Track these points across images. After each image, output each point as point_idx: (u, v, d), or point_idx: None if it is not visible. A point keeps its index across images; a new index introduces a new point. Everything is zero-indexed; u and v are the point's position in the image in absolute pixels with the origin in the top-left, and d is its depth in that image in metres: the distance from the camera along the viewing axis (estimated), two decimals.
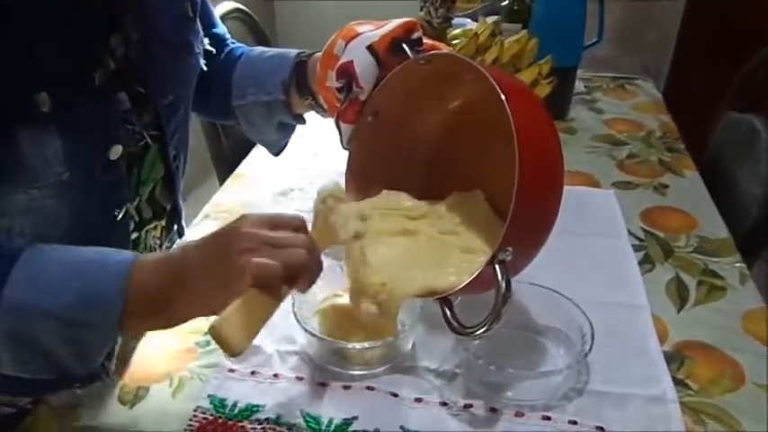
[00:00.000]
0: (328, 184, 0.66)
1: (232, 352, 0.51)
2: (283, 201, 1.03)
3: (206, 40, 0.83)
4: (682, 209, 0.99)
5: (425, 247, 0.66)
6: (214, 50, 0.86)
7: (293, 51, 0.84)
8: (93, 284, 0.53)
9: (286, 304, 0.66)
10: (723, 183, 1.10)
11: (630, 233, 0.93)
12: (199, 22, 0.81)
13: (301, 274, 0.54)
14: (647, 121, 1.29)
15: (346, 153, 0.73)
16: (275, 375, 0.69)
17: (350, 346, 0.67)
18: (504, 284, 0.55)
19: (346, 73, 0.69)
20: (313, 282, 0.56)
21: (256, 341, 0.70)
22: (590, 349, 0.65)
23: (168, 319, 0.56)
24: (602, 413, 0.64)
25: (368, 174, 0.72)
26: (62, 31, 0.59)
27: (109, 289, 0.53)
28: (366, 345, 0.67)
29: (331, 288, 0.74)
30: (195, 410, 0.65)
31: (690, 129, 1.27)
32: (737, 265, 0.86)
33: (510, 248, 0.55)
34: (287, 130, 0.90)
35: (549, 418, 0.64)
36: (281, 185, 1.07)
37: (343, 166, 1.08)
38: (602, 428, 0.63)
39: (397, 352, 0.69)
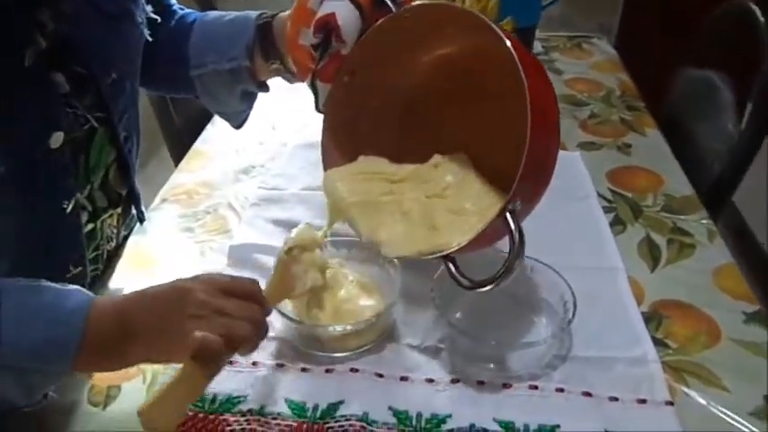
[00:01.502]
0: (298, 231, 0.66)
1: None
2: (245, 178, 0.99)
3: (149, 8, 0.77)
4: (647, 167, 1.00)
5: (415, 211, 0.65)
6: (160, 18, 0.79)
7: (253, 13, 0.78)
8: (49, 334, 0.53)
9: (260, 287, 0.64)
10: (684, 139, 1.11)
11: (599, 194, 0.93)
12: None
13: (243, 346, 0.54)
14: (606, 80, 1.29)
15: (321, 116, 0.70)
16: (254, 364, 0.66)
17: (330, 328, 0.65)
18: (517, 235, 0.55)
19: (326, 27, 0.64)
20: (254, 350, 0.56)
21: None
22: (573, 316, 0.65)
23: (118, 365, 0.57)
24: (588, 378, 0.64)
25: (344, 136, 0.70)
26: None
27: (65, 338, 0.53)
28: (348, 327, 0.65)
29: None
30: None
31: (645, 86, 1.27)
32: (704, 221, 0.88)
33: (519, 200, 0.55)
34: (250, 100, 0.85)
35: (536, 387, 0.63)
36: (242, 163, 1.02)
37: (305, 139, 1.06)
38: (588, 393, 0.63)
39: (378, 331, 0.68)
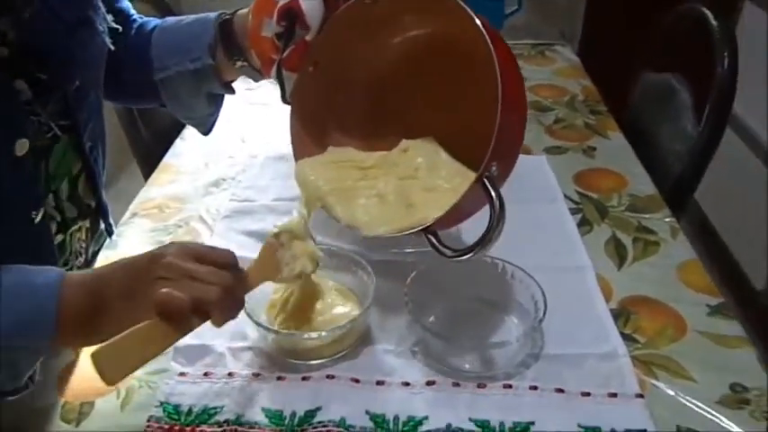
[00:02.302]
0: (290, 219, 0.66)
1: (105, 382, 0.51)
2: (216, 191, 0.98)
3: (110, 17, 0.76)
4: (611, 169, 1.02)
5: (389, 192, 0.67)
6: (120, 28, 0.79)
7: (212, 14, 0.78)
8: (25, 311, 0.52)
9: None
10: (646, 141, 1.14)
11: (566, 197, 0.95)
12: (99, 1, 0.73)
13: (212, 311, 0.53)
14: (569, 85, 1.32)
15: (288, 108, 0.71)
16: (230, 374, 0.66)
17: (305, 335, 0.66)
18: (497, 200, 0.56)
19: (289, 13, 0.65)
20: (228, 319, 0.56)
21: (206, 340, 0.69)
22: (544, 315, 0.66)
23: (96, 337, 0.55)
24: (560, 375, 0.65)
25: (313, 126, 0.71)
26: None
27: (41, 314, 0.52)
28: (323, 333, 0.65)
29: None
30: (148, 421, 0.62)
31: (606, 90, 1.31)
32: (667, 219, 0.90)
33: (495, 164, 0.56)
34: (216, 103, 0.84)
35: (510, 386, 0.64)
36: (212, 176, 1.02)
37: (275, 151, 1.06)
38: (561, 390, 0.64)
39: (353, 337, 0.68)
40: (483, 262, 0.74)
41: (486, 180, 0.57)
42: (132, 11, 0.86)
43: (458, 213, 0.61)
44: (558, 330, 0.69)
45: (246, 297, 0.66)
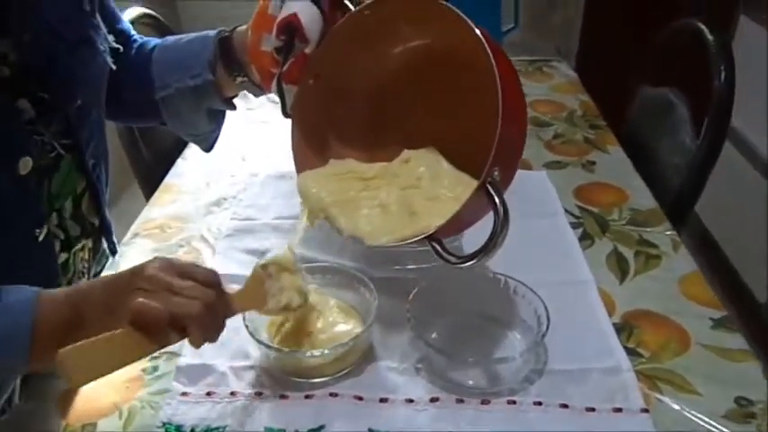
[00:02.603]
0: (278, 251, 0.66)
1: (69, 383, 0.51)
2: (217, 211, 0.99)
3: (111, 38, 0.77)
4: (611, 183, 1.03)
5: (392, 202, 0.67)
6: (121, 48, 0.79)
7: (211, 32, 0.79)
8: (2, 322, 0.52)
9: (236, 319, 0.64)
10: (645, 155, 1.15)
11: (567, 211, 0.95)
12: (99, 18, 0.74)
13: (190, 326, 0.53)
14: (567, 101, 1.33)
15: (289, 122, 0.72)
16: (232, 393, 0.66)
17: (308, 353, 0.65)
18: (501, 205, 0.56)
19: (289, 27, 0.65)
20: (207, 338, 0.55)
21: (207, 360, 0.68)
22: (547, 329, 0.66)
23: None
24: (564, 391, 0.65)
25: (314, 139, 0.71)
26: None
27: (15, 329, 0.52)
28: (325, 351, 0.65)
29: None
30: None
31: (604, 105, 1.31)
32: (668, 233, 0.90)
33: (497, 169, 0.57)
34: (217, 120, 0.85)
35: (514, 402, 0.64)
36: (213, 195, 1.02)
37: (276, 170, 1.07)
38: (565, 405, 0.64)
39: (356, 355, 0.68)
40: (485, 277, 0.74)
41: (489, 185, 0.57)
42: (133, 31, 0.87)
43: (461, 221, 0.61)
44: (562, 345, 0.69)
45: (248, 317, 0.67)
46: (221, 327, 0.56)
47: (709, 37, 1.03)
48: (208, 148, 0.88)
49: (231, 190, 1.04)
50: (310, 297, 0.72)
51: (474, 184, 0.62)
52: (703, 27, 1.05)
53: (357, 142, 0.74)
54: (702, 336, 0.72)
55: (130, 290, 0.53)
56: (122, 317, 0.51)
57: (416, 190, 0.69)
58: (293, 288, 0.64)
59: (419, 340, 0.67)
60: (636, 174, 1.05)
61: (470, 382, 0.66)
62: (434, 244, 0.60)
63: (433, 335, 0.71)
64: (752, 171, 1.71)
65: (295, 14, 0.65)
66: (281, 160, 1.09)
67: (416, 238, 0.62)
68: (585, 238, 0.89)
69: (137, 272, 0.54)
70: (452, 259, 0.59)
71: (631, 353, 0.70)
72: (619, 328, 0.73)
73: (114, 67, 0.76)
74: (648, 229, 0.91)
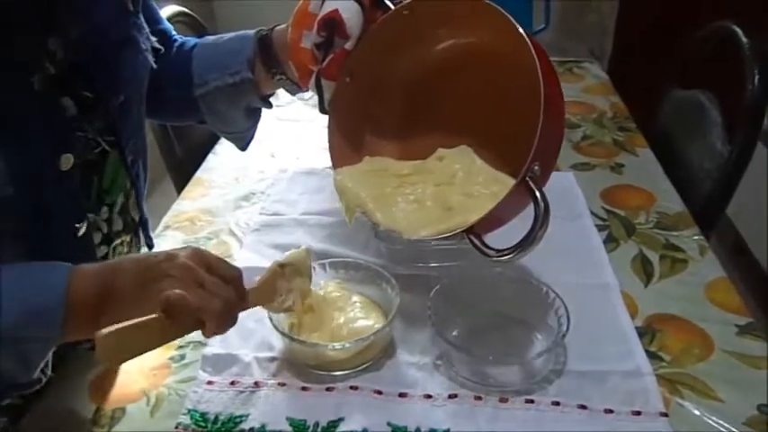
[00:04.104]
0: (298, 252, 0.67)
1: (103, 363, 0.54)
2: (246, 205, 1.01)
3: (153, 38, 0.79)
4: (639, 186, 1.02)
5: (427, 198, 0.68)
6: (162, 48, 0.81)
7: (250, 31, 0.81)
8: (33, 300, 0.53)
9: (261, 311, 0.66)
10: (674, 158, 1.13)
11: (593, 213, 0.95)
12: (142, 17, 0.76)
13: (208, 321, 0.55)
14: (598, 102, 1.32)
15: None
16: (256, 383, 0.67)
17: (329, 346, 0.67)
18: (541, 200, 0.56)
19: (330, 24, 0.67)
20: (219, 333, 0.57)
21: (233, 350, 0.70)
22: (567, 330, 0.66)
23: (95, 329, 0.56)
24: (583, 392, 0.65)
25: (350, 135, 0.72)
26: (19, 33, 0.56)
27: (50, 303, 0.53)
28: (347, 344, 0.66)
29: None
30: (176, 427, 0.63)
31: (636, 107, 1.30)
32: (696, 237, 0.89)
33: (537, 164, 0.57)
34: (254, 117, 0.86)
35: (532, 402, 0.65)
36: (242, 190, 1.05)
37: (304, 166, 1.08)
38: (584, 406, 0.64)
39: (377, 349, 0.69)
40: (506, 276, 0.74)
41: (529, 180, 0.58)
42: (173, 32, 0.89)
43: (498, 216, 0.62)
44: (582, 347, 0.69)
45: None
46: (234, 322, 0.58)
47: (744, 40, 1.02)
48: (244, 146, 0.90)
49: (260, 185, 1.06)
50: (334, 292, 0.73)
51: (509, 181, 0.63)
52: (737, 30, 1.04)
53: (392, 139, 0.75)
54: (726, 342, 0.72)
55: (162, 275, 0.55)
56: (152, 298, 0.53)
57: (451, 186, 0.70)
58: (297, 292, 0.67)
59: (439, 337, 0.68)
60: (665, 177, 1.04)
61: (489, 381, 0.67)
62: (473, 237, 0.61)
63: (454, 332, 0.71)
64: None
65: (336, 10, 0.67)
66: (310, 157, 1.11)
67: (454, 232, 0.63)
68: (611, 241, 0.89)
69: (170, 257, 0.56)
70: (491, 253, 0.59)
71: (653, 356, 0.70)
72: (641, 332, 0.73)
73: (155, 66, 0.78)
74: (675, 233, 0.90)
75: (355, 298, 0.73)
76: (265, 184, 1.06)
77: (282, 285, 0.65)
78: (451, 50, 0.73)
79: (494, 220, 0.62)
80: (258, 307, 0.63)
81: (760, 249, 1.73)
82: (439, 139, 0.73)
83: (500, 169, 0.69)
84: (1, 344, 0.52)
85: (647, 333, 0.73)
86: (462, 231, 0.62)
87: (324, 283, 0.75)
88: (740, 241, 1.73)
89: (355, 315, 0.71)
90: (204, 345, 0.72)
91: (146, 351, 0.54)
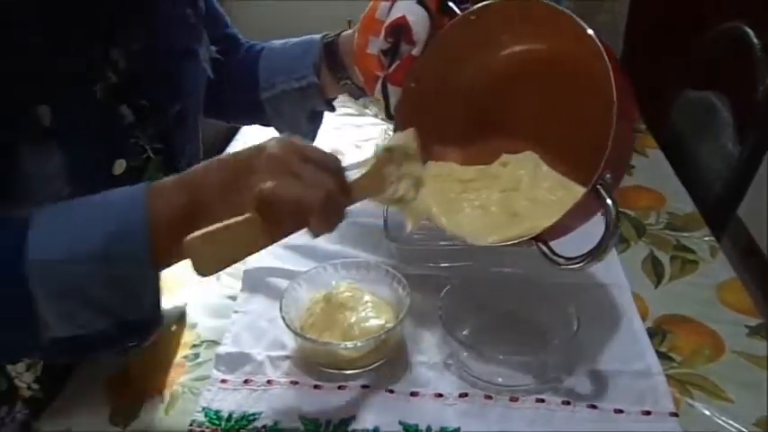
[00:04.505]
0: (401, 133, 0.62)
1: (198, 272, 0.48)
2: None
3: (213, 48, 0.79)
4: (649, 187, 1.02)
5: (492, 203, 0.67)
6: (229, 50, 0.83)
7: (316, 35, 0.82)
8: (114, 219, 0.50)
9: (273, 309, 0.67)
10: (685, 159, 1.13)
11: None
12: (203, 30, 0.76)
13: (311, 216, 0.49)
14: None
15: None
16: (269, 382, 0.68)
17: (341, 345, 0.67)
18: (613, 208, 0.55)
19: (397, 30, 0.67)
20: (325, 229, 0.51)
21: (246, 348, 0.71)
22: (577, 330, 0.67)
23: None
24: (593, 392, 0.66)
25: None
26: (62, 44, 0.57)
27: (132, 218, 0.50)
28: (358, 343, 0.67)
29: (317, 289, 0.75)
30: (191, 425, 0.64)
31: (646, 108, 1.30)
32: (707, 238, 0.89)
33: (608, 171, 0.56)
34: (317, 120, 0.88)
35: (542, 401, 0.65)
36: None
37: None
38: (594, 406, 0.64)
39: (388, 348, 0.70)
40: (517, 277, 0.74)
41: (600, 187, 0.56)
42: (239, 35, 0.90)
43: (566, 223, 0.61)
44: (592, 347, 0.70)
45: (285, 308, 0.70)
46: (341, 217, 0.52)
47: (755, 40, 1.02)
48: None
49: None
50: (346, 292, 0.74)
51: (577, 188, 0.62)
52: (749, 30, 1.04)
53: (456, 145, 0.74)
54: (737, 343, 0.72)
55: (250, 171, 0.50)
56: (243, 201, 0.49)
57: (516, 192, 0.68)
58: (412, 178, 0.60)
59: (450, 336, 0.68)
60: (675, 178, 1.04)
61: (499, 380, 0.67)
62: (541, 245, 0.60)
63: (464, 332, 0.72)
64: None
65: (404, 17, 0.67)
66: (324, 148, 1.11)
67: (522, 239, 0.61)
68: (621, 242, 0.89)
69: (256, 152, 0.51)
70: (560, 261, 0.58)
71: (663, 357, 0.70)
72: (652, 333, 0.73)
73: (212, 76, 0.78)
74: (686, 234, 0.90)
75: (367, 298, 0.74)
76: None
77: (392, 172, 0.59)
78: (518, 56, 0.72)
79: (561, 227, 0.61)
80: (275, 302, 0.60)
81: None
82: (503, 145, 0.72)
83: (567, 174, 0.67)
84: (96, 273, 0.49)
85: (657, 334, 0.73)
86: (530, 239, 0.61)
87: (335, 283, 0.75)
88: (751, 242, 1.73)
89: (367, 315, 0.72)
90: (218, 344, 0.73)
91: (241, 256, 0.50)
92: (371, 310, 0.73)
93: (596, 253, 0.56)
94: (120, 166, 0.64)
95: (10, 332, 0.52)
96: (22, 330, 0.51)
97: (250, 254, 0.51)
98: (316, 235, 0.51)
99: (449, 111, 0.74)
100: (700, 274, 0.83)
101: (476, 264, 0.77)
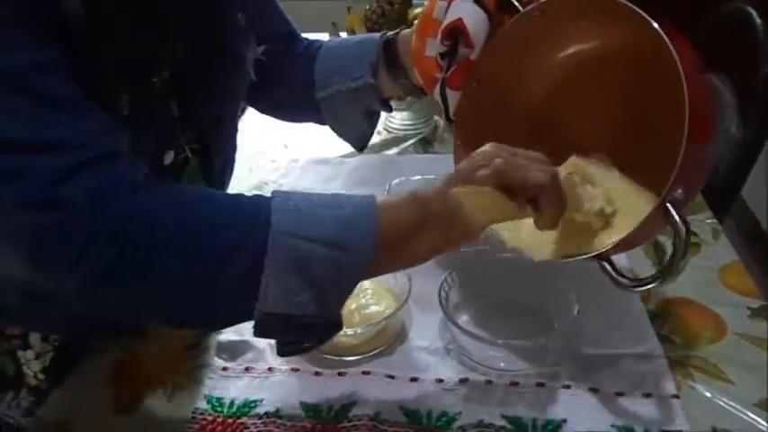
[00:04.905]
0: (574, 162, 0.62)
1: (470, 222, 0.53)
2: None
3: (260, 49, 0.78)
4: None
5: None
6: (286, 48, 0.83)
7: (375, 35, 0.81)
8: (347, 212, 0.53)
9: None
10: None
11: None
12: (252, 33, 0.76)
13: (543, 197, 0.53)
14: None
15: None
16: (270, 369, 0.69)
17: (342, 332, 0.67)
18: (683, 227, 0.51)
19: (454, 33, 0.65)
20: (558, 214, 0.54)
21: (247, 336, 0.71)
22: (577, 314, 0.66)
23: (411, 259, 0.57)
24: (594, 375, 0.66)
25: (473, 145, 0.69)
26: (140, 34, 0.58)
27: (363, 215, 0.53)
28: (359, 330, 0.67)
29: None
30: (193, 413, 0.65)
31: None
32: (709, 221, 0.89)
33: (680, 189, 0.51)
34: (372, 120, 0.86)
35: (543, 385, 0.65)
36: (255, 179, 1.06)
37: (316, 156, 1.09)
38: (595, 389, 0.64)
39: (388, 334, 0.70)
40: (517, 262, 0.74)
41: (669, 205, 0.51)
42: (298, 32, 0.89)
43: (633, 240, 0.56)
44: (593, 331, 0.70)
45: None
46: (564, 207, 0.55)
47: (758, 21, 1.01)
48: (361, 147, 0.89)
49: (273, 175, 1.07)
50: None
51: (651, 200, 0.56)
52: (752, 11, 1.03)
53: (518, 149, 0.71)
54: (739, 325, 0.71)
55: (474, 170, 0.53)
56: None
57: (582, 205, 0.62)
58: (602, 195, 0.60)
59: (450, 322, 0.68)
60: None
61: (501, 365, 0.67)
62: (605, 264, 0.56)
63: (465, 317, 0.72)
64: None
65: (461, 19, 0.65)
66: (322, 147, 1.12)
67: (586, 256, 0.58)
68: None
69: (473, 157, 0.55)
70: (625, 282, 0.55)
71: (665, 340, 0.70)
72: (653, 315, 0.73)
73: (254, 79, 0.78)
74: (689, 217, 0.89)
75: (367, 284, 0.74)
76: (278, 173, 1.07)
77: (584, 190, 0.59)
78: (586, 54, 0.68)
79: (627, 244, 0.57)
80: None
81: None
82: (570, 149, 0.66)
83: (641, 181, 0.62)
84: (321, 250, 0.51)
85: (659, 316, 0.73)
86: (593, 256, 0.57)
87: None
88: (756, 226, 1.72)
89: (367, 301, 0.72)
90: (219, 332, 0.73)
91: (501, 218, 0.54)
92: (372, 297, 0.73)
93: (665, 275, 0.51)
94: (169, 156, 0.65)
95: (230, 303, 0.53)
96: (242, 301, 0.52)
97: (505, 219, 0.54)
98: (548, 225, 0.55)
99: (512, 113, 0.70)
100: (702, 257, 0.82)
101: (476, 249, 0.77)
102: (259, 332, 0.54)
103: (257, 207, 0.52)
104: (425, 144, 1.12)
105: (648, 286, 0.53)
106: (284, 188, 1.01)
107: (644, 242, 0.60)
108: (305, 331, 0.54)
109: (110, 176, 0.49)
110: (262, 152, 1.12)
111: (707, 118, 0.57)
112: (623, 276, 0.55)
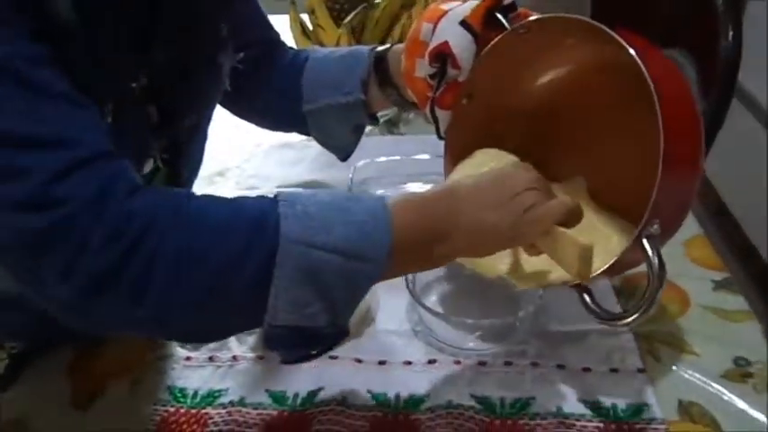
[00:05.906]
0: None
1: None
2: (220, 180, 0.99)
3: (237, 56, 0.75)
4: None
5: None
6: (268, 55, 0.82)
7: (364, 48, 0.79)
8: (359, 218, 0.51)
9: None
10: None
11: None
12: (230, 43, 0.73)
13: (570, 222, 0.56)
14: None
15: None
16: (234, 358, 0.67)
17: None
18: (656, 261, 0.50)
19: (441, 56, 0.65)
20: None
21: None
22: (543, 291, 0.66)
23: (425, 263, 0.57)
24: (561, 352, 0.66)
25: (460, 161, 0.69)
26: (124, 40, 0.55)
27: (376, 221, 0.51)
28: None
29: None
30: (155, 404, 0.63)
31: None
32: None
33: (657, 222, 0.50)
34: (358, 133, 0.85)
35: (511, 363, 0.65)
36: (216, 165, 1.03)
37: (278, 140, 1.07)
38: (562, 366, 0.64)
39: (356, 318, 0.68)
40: None
41: (645, 240, 0.51)
42: (281, 40, 0.87)
43: (611, 272, 0.56)
44: (559, 308, 0.69)
45: None
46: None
47: None
48: (344, 157, 0.88)
49: (235, 160, 1.04)
50: None
51: (627, 235, 0.57)
52: None
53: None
54: (703, 297, 0.72)
55: (511, 195, 0.54)
56: (501, 227, 0.54)
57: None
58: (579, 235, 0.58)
59: (418, 304, 0.67)
60: None
61: (470, 345, 0.67)
62: (584, 295, 0.55)
63: (432, 298, 0.71)
64: (761, 130, 1.67)
65: (446, 43, 0.64)
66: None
67: (563, 284, 0.58)
68: None
69: (508, 178, 0.56)
70: (602, 314, 0.54)
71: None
72: (618, 291, 0.73)
73: (229, 89, 0.75)
74: None
75: None
76: (240, 158, 1.05)
77: (567, 237, 0.58)
78: (570, 75, 0.68)
79: (602, 275, 0.56)
80: None
81: (737, 205, 1.74)
82: (551, 171, 0.64)
83: (620, 210, 0.63)
84: (333, 259, 0.49)
85: (623, 292, 0.73)
86: (571, 286, 0.57)
87: None
88: (718, 199, 1.75)
89: None
90: None
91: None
92: None
93: (641, 311, 0.51)
94: (148, 165, 0.62)
95: (236, 315, 0.51)
96: (249, 312, 0.50)
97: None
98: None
99: (502, 129, 0.70)
100: None
101: None
102: (268, 344, 0.52)
103: (263, 211, 0.49)
104: (390, 126, 1.10)
105: (626, 321, 0.53)
106: (247, 173, 0.99)
107: (620, 272, 0.61)
108: (313, 340, 0.52)
109: (107, 176, 0.46)
110: (222, 137, 1.09)
111: (687, 153, 0.55)
112: (600, 309, 0.55)
